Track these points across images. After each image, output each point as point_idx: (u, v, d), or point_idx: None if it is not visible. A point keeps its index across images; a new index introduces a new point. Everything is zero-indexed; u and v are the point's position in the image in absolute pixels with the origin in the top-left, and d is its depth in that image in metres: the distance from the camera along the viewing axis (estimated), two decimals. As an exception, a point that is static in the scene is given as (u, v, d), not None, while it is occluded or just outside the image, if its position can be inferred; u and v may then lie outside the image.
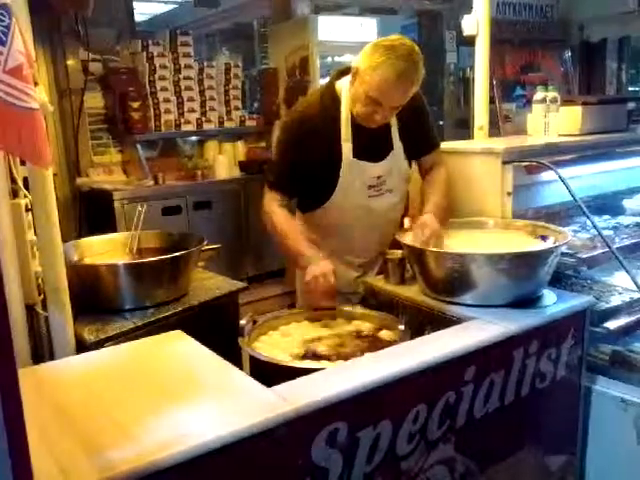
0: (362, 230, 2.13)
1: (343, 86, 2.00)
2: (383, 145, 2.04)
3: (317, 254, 1.91)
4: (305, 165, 1.99)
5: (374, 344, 1.66)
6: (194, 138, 5.14)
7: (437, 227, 1.87)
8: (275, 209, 2.02)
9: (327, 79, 2.18)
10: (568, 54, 7.16)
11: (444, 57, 6.49)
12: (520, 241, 1.91)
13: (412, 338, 1.59)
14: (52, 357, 1.63)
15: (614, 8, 6.45)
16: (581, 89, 7.09)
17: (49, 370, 1.48)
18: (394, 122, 2.02)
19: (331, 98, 2.01)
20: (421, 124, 2.10)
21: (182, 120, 4.79)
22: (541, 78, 6.62)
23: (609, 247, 1.90)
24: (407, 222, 2.32)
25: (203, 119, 4.92)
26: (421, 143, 2.12)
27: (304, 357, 1.58)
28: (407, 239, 1.87)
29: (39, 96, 1.24)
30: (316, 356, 1.59)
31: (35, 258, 1.71)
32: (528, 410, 1.67)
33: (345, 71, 2.02)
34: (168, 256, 1.89)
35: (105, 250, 2.14)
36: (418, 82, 1.84)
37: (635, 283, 1.85)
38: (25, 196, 1.70)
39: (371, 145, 2.01)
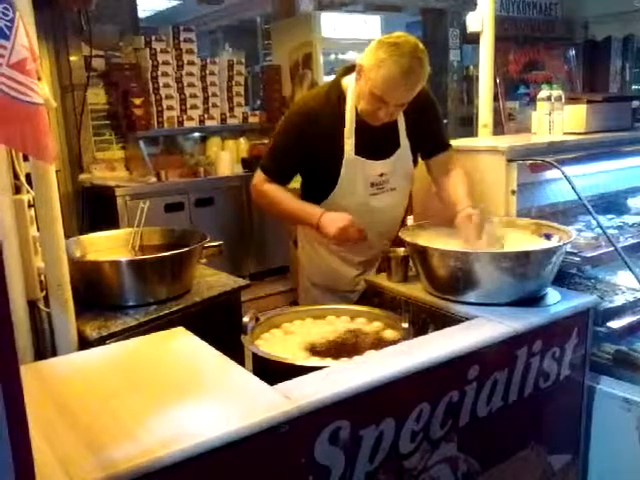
0: (363, 228, 2.12)
1: (349, 83, 1.99)
2: (389, 143, 2.04)
3: (322, 209, 1.95)
4: (303, 157, 1.99)
5: (377, 342, 1.66)
6: (197, 135, 5.14)
7: (479, 217, 1.87)
8: (266, 186, 2.04)
9: (331, 76, 2.17)
10: (572, 52, 7.14)
11: (448, 55, 6.47)
12: (524, 239, 1.90)
13: (415, 336, 1.58)
14: (54, 353, 1.63)
15: (618, 6, 6.43)
16: (585, 87, 7.07)
17: (51, 366, 1.48)
18: (401, 120, 2.01)
19: (337, 94, 2.00)
20: (430, 124, 2.09)
21: (185, 117, 4.79)
22: (545, 76, 6.61)
23: (614, 246, 1.89)
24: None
25: (206, 116, 4.92)
26: (431, 143, 2.11)
27: (307, 355, 1.58)
28: (410, 237, 1.86)
29: (42, 91, 1.24)
30: (319, 354, 1.58)
31: (38, 254, 1.71)
32: (531, 409, 1.66)
33: (352, 68, 2.01)
34: (170, 253, 1.88)
35: (107, 246, 2.13)
36: (423, 79, 1.83)
37: (639, 282, 1.84)
38: (28, 192, 1.69)
39: (375, 143, 2.00)
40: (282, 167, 2.04)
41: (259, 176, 2.06)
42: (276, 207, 2.05)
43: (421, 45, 1.81)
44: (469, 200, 1.97)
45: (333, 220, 1.91)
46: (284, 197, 2.03)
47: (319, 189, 2.06)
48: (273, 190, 2.03)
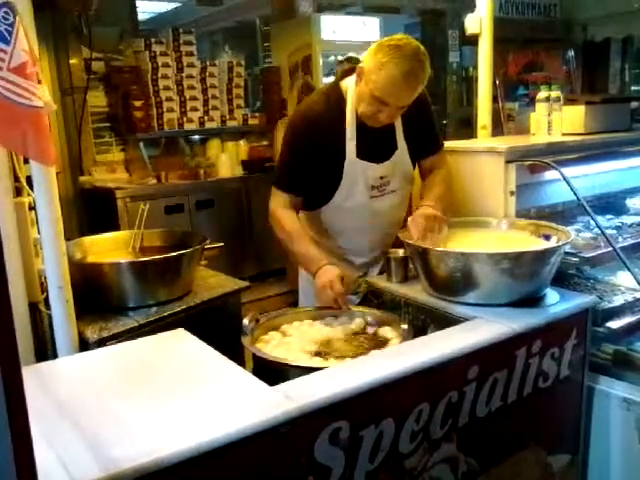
0: (364, 230, 2.13)
1: (349, 85, 1.99)
2: (387, 145, 2.04)
3: (324, 259, 1.91)
4: (310, 164, 1.99)
5: (377, 343, 1.66)
6: (197, 137, 5.15)
7: (429, 215, 1.85)
8: (282, 212, 2.00)
9: (330, 78, 2.18)
10: (571, 53, 7.14)
11: (447, 56, 6.48)
12: (523, 240, 1.91)
13: (415, 337, 1.59)
14: (55, 355, 1.63)
15: (618, 7, 6.44)
16: (584, 88, 7.08)
17: (52, 368, 1.49)
18: (399, 122, 2.01)
19: (336, 97, 2.00)
20: (424, 125, 2.09)
21: (185, 119, 4.80)
22: (544, 77, 6.61)
23: (612, 246, 1.89)
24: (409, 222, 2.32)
25: (206, 118, 4.93)
26: (424, 144, 2.11)
27: (306, 356, 1.58)
28: (408, 238, 1.87)
29: (43, 94, 1.25)
30: (318, 355, 1.59)
31: (38, 256, 1.72)
32: (531, 409, 1.67)
33: (350, 70, 2.02)
34: (171, 254, 1.89)
35: (108, 248, 2.14)
36: (424, 81, 1.83)
37: (638, 282, 1.84)
38: (29, 194, 1.70)
39: (375, 145, 2.01)
40: (296, 178, 2.02)
41: (274, 196, 2.03)
42: (285, 244, 2.02)
43: (422, 47, 1.81)
44: (435, 201, 1.97)
45: (319, 277, 1.85)
46: (297, 237, 1.97)
47: (321, 193, 2.06)
48: (290, 227, 1.98)
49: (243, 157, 5.16)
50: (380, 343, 1.66)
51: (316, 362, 1.52)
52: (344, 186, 2.01)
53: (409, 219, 1.90)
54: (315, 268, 1.89)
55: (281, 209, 2.01)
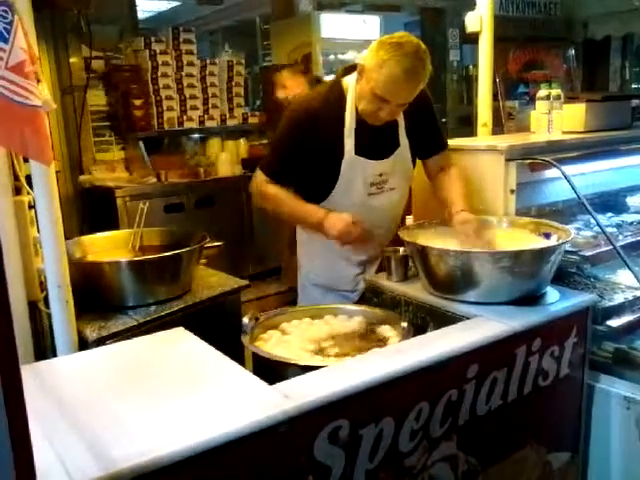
0: (368, 227, 2.12)
1: (350, 83, 1.99)
2: (388, 143, 2.04)
3: (325, 210, 1.95)
4: (304, 157, 1.98)
5: (376, 341, 1.66)
6: (196, 135, 5.15)
7: (477, 221, 1.87)
8: (265, 186, 2.03)
9: (331, 76, 2.17)
10: (572, 51, 7.14)
11: (447, 54, 6.48)
12: (523, 238, 1.91)
13: (415, 335, 1.59)
14: (55, 354, 1.63)
15: (618, 5, 6.43)
16: (584, 86, 7.08)
17: (52, 367, 1.48)
18: (401, 120, 2.01)
19: (337, 94, 2.00)
20: (429, 123, 2.09)
21: (184, 117, 4.79)
22: (544, 75, 6.61)
23: (612, 245, 1.89)
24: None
25: (205, 116, 4.92)
26: (429, 143, 2.11)
27: (306, 354, 1.58)
28: (409, 237, 1.87)
29: (42, 93, 1.25)
30: (318, 353, 1.59)
31: (38, 255, 1.71)
32: (531, 408, 1.66)
33: (352, 68, 2.01)
34: (170, 253, 1.89)
35: (107, 247, 2.14)
36: (425, 79, 1.83)
37: (638, 281, 1.84)
38: (28, 193, 1.70)
39: (375, 143, 2.01)
40: (283, 168, 2.04)
41: (259, 177, 2.05)
42: (279, 209, 2.05)
43: (423, 45, 1.81)
44: (464, 202, 1.97)
45: (337, 220, 1.91)
46: (287, 198, 2.02)
47: (318, 189, 2.06)
48: (275, 192, 2.02)
49: (243, 156, 5.16)
50: (380, 342, 1.66)
51: (315, 361, 1.52)
52: (342, 183, 2.01)
53: (459, 227, 1.89)
54: (319, 217, 1.93)
55: (263, 183, 2.04)
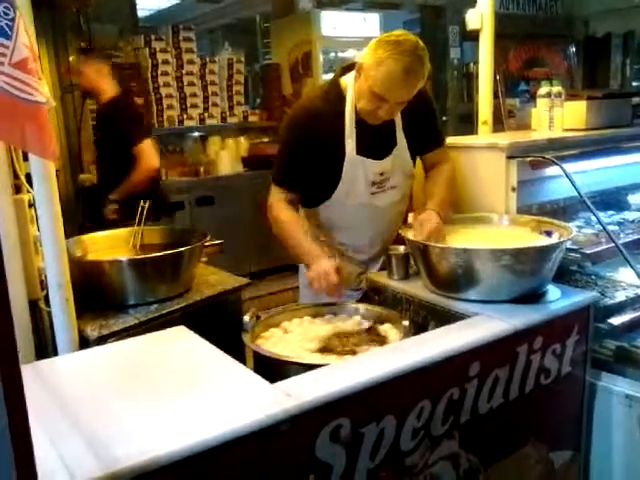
0: (365, 226, 2.12)
1: (348, 82, 1.98)
2: (387, 141, 2.03)
3: (321, 253, 1.90)
4: (309, 160, 1.98)
5: (377, 340, 1.66)
6: (197, 134, 5.15)
7: (437, 223, 1.86)
8: (279, 208, 2.00)
9: (330, 75, 2.16)
10: (572, 49, 7.13)
11: (447, 52, 6.47)
12: (524, 236, 1.90)
13: (416, 334, 1.59)
14: (56, 353, 1.63)
15: (618, 3, 6.42)
16: (585, 84, 7.07)
17: (52, 365, 1.48)
18: (398, 118, 2.01)
19: (336, 94, 2.00)
20: (426, 120, 2.08)
21: (185, 116, 4.79)
22: (545, 73, 6.60)
23: (614, 242, 1.88)
24: (411, 218, 2.32)
25: (206, 115, 4.92)
26: (426, 139, 2.10)
27: (307, 353, 1.58)
28: (410, 235, 1.87)
29: (44, 90, 1.24)
30: (319, 352, 1.59)
31: (38, 254, 1.71)
32: (532, 406, 1.66)
33: (349, 67, 2.01)
34: (171, 252, 1.88)
35: (108, 246, 2.13)
36: (424, 77, 1.82)
37: (640, 279, 1.84)
38: (28, 191, 1.69)
39: (375, 142, 2.00)
40: (292, 172, 2.02)
41: (273, 193, 2.03)
42: (285, 242, 2.01)
43: (421, 43, 1.81)
44: (438, 202, 1.96)
45: (313, 267, 1.86)
46: (294, 231, 1.98)
47: (321, 190, 2.05)
48: (287, 219, 1.99)
49: (243, 154, 5.16)
50: (381, 340, 1.65)
51: (317, 359, 1.52)
52: (344, 183, 2.01)
53: (414, 220, 1.90)
54: (309, 260, 1.89)
55: (278, 204, 2.01)
